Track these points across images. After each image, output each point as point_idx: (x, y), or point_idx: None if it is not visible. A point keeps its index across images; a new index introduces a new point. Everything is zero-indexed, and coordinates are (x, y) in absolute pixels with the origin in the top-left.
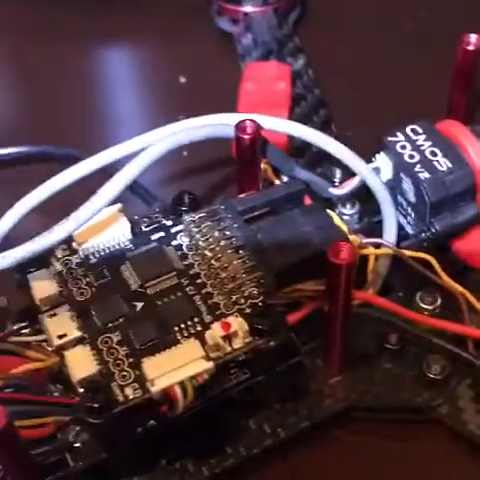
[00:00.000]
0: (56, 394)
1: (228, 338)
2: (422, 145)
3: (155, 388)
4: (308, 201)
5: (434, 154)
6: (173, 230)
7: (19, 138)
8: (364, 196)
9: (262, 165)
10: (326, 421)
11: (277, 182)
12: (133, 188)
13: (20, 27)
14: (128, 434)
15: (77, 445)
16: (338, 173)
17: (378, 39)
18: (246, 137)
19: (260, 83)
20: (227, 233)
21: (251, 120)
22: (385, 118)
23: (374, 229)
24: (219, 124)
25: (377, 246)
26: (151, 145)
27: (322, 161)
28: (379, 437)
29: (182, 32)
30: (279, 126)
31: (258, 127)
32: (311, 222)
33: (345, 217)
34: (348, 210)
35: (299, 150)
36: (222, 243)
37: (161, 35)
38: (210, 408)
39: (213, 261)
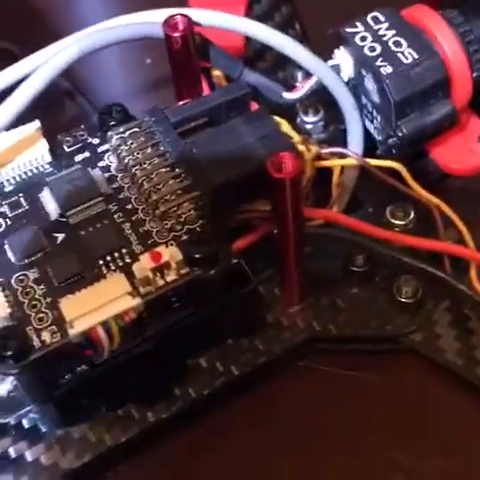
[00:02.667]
0: None
1: (160, 270)
2: (384, 35)
3: (74, 330)
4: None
5: (398, 44)
6: (100, 149)
7: None
8: (328, 101)
9: (215, 72)
10: (286, 355)
11: None
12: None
13: None
14: (55, 381)
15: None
16: (299, 77)
17: None
18: (176, 35)
19: None
20: (160, 149)
21: (182, 15)
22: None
23: (343, 138)
24: (147, 23)
25: (342, 156)
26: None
27: (284, 65)
28: (347, 369)
29: None
30: (227, 23)
31: (190, 22)
32: (254, 132)
33: (308, 126)
34: (310, 118)
35: (258, 53)
36: (154, 161)
37: None
38: (153, 347)
39: (144, 183)
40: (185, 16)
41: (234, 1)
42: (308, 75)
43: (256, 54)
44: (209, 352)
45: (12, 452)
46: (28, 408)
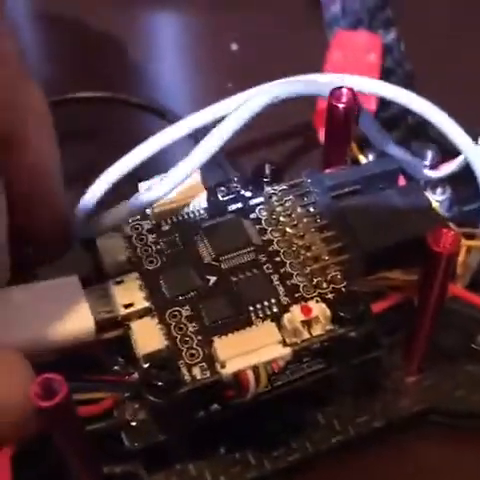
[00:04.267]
0: (116, 368)
1: (307, 324)
2: None
3: (226, 370)
4: (402, 181)
5: None
6: (252, 202)
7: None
8: (456, 181)
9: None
10: (400, 422)
11: (362, 159)
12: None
13: None
14: (189, 417)
15: (133, 424)
16: (430, 154)
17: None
18: (341, 106)
19: (348, 53)
20: (312, 209)
21: (348, 88)
22: None
23: (465, 218)
24: (317, 81)
25: (470, 237)
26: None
27: (411, 139)
28: (456, 446)
29: None
30: (379, 90)
31: (354, 96)
32: (408, 204)
33: (433, 203)
34: (438, 196)
35: (388, 123)
36: (305, 220)
37: None
38: (277, 397)
39: (294, 239)
40: (350, 90)
41: (368, 69)
42: (444, 154)
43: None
44: (327, 409)
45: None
46: (158, 439)
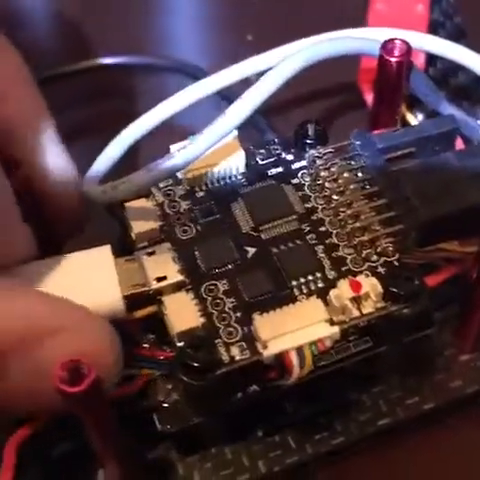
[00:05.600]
0: (146, 345)
1: (356, 300)
2: None
3: (268, 351)
4: (460, 144)
5: None
6: (294, 166)
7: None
8: None
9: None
10: (452, 404)
11: (412, 119)
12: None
13: None
14: (227, 399)
15: (167, 405)
16: None
17: None
18: (394, 60)
19: (393, 4)
20: (360, 174)
21: (401, 40)
22: None
23: None
24: (364, 39)
25: None
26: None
27: (468, 95)
28: None
29: None
30: (428, 45)
31: (409, 49)
32: (468, 169)
33: None
34: None
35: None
36: (353, 186)
37: None
38: (320, 377)
39: (341, 207)
40: (404, 42)
41: (414, 29)
42: None
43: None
44: (374, 390)
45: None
46: (193, 421)
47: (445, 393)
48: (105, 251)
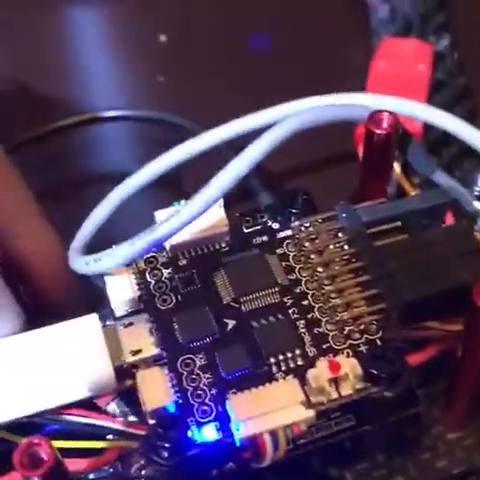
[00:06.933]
0: (120, 418)
1: (335, 381)
2: None
3: (240, 433)
4: (450, 218)
5: None
6: (279, 235)
7: None
8: None
9: (396, 167)
10: None
11: (407, 187)
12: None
13: None
14: (201, 477)
15: None
16: None
17: None
18: (380, 132)
19: (395, 63)
20: (346, 248)
21: (389, 112)
22: None
23: None
24: (355, 105)
25: None
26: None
27: (462, 163)
28: None
29: None
30: (420, 112)
31: (397, 121)
32: (454, 247)
33: None
34: None
35: (433, 147)
36: (338, 260)
37: None
38: (301, 455)
39: (325, 281)
40: (392, 114)
41: (415, 90)
42: None
43: (432, 147)
44: (355, 467)
45: None
46: None
47: (430, 473)
48: (92, 320)
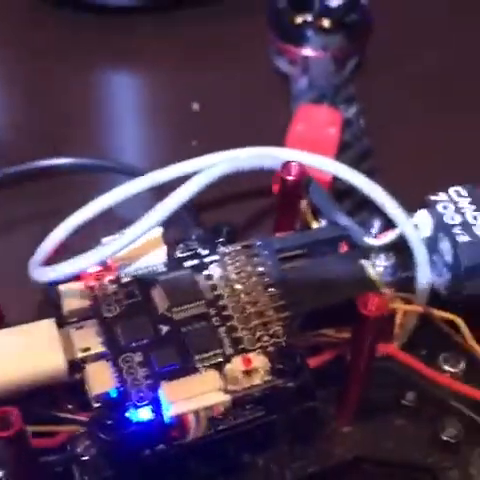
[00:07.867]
0: (70, 406)
1: (248, 374)
2: (464, 208)
3: (170, 412)
4: (344, 247)
5: (476, 219)
6: (207, 259)
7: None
8: (400, 249)
9: (304, 205)
10: (334, 469)
11: (314, 224)
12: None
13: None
14: (136, 454)
15: (85, 458)
16: (376, 224)
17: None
18: (290, 179)
19: (310, 125)
20: (260, 269)
21: (297, 163)
22: (434, 174)
23: (406, 284)
24: (271, 157)
25: (407, 302)
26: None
27: (361, 210)
28: None
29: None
30: (328, 167)
31: (303, 170)
32: (344, 269)
33: (378, 268)
34: (382, 261)
35: (341, 193)
36: (253, 279)
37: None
38: (220, 440)
39: (242, 295)
40: (299, 164)
41: (325, 150)
42: (387, 226)
43: (339, 194)
44: (265, 453)
45: None
46: (107, 473)
47: (328, 459)
48: (50, 323)
